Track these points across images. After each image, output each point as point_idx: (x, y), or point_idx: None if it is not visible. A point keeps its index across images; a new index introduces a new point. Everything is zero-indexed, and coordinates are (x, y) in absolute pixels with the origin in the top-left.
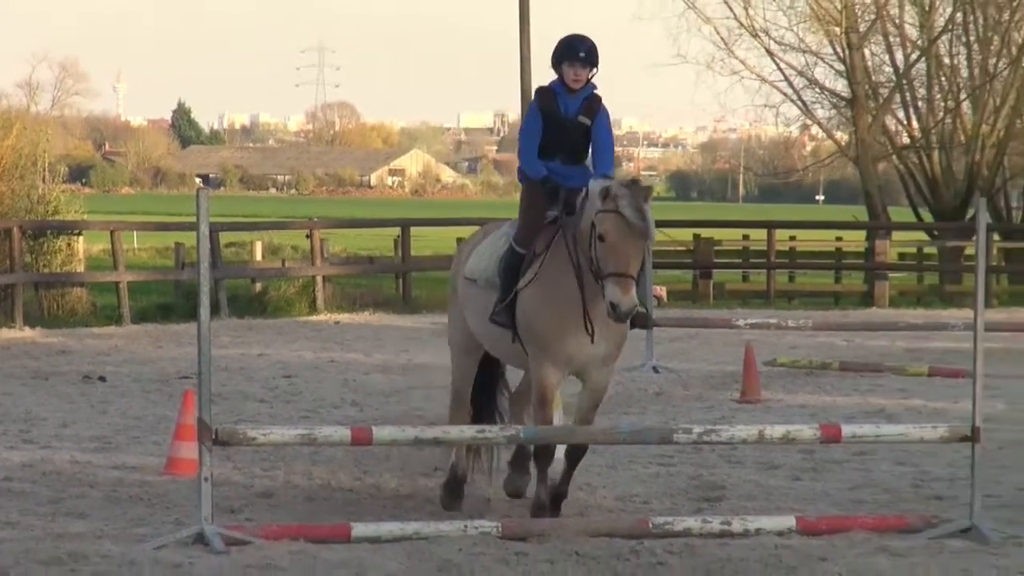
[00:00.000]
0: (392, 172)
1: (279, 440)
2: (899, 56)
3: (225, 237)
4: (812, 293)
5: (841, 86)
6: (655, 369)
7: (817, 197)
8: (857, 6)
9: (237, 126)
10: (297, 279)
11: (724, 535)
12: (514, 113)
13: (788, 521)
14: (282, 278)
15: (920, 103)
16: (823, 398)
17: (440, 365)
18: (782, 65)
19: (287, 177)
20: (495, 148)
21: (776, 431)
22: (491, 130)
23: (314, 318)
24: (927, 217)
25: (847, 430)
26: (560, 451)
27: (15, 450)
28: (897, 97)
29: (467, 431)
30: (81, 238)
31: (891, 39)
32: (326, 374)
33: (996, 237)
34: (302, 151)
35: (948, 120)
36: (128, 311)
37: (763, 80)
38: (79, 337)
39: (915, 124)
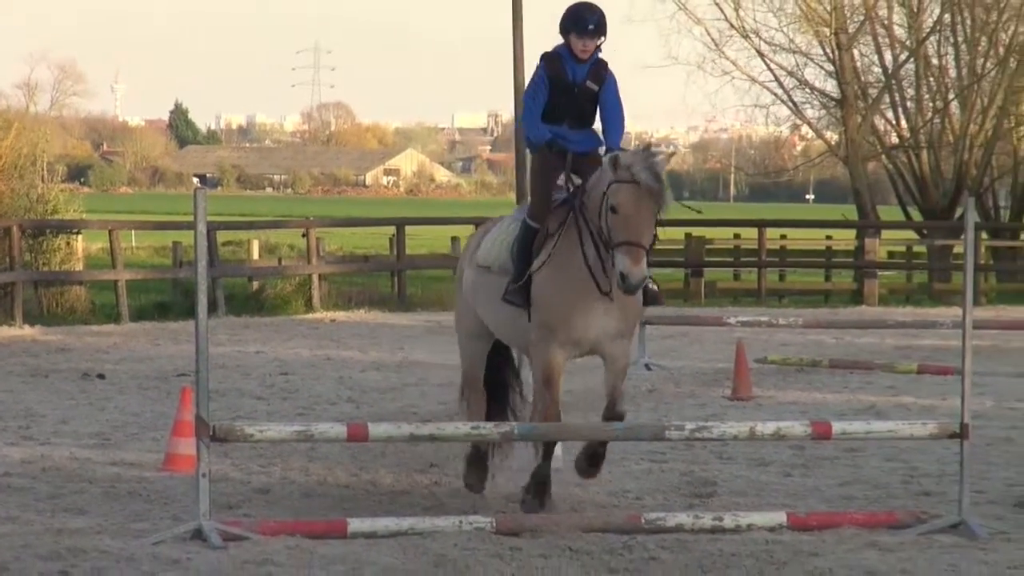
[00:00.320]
0: (387, 172)
1: (276, 437)
2: (888, 57)
3: (222, 236)
4: (802, 291)
5: (831, 86)
6: (647, 367)
7: (807, 196)
8: (846, 7)
9: (234, 126)
10: (293, 277)
11: (716, 531)
12: (508, 113)
13: (779, 517)
14: (279, 276)
15: (909, 103)
16: (813, 395)
17: (435, 362)
18: (772, 66)
19: (283, 177)
20: (489, 148)
21: (767, 428)
22: (485, 130)
23: (310, 316)
24: (916, 216)
25: (837, 427)
26: (557, 447)
27: (15, 446)
28: (886, 97)
29: (462, 428)
30: (80, 237)
31: (880, 40)
32: (322, 371)
33: (984, 236)
34: (298, 151)
35: (936, 120)
36: (126, 309)
37: (753, 80)
38: (78, 335)
39: (904, 124)
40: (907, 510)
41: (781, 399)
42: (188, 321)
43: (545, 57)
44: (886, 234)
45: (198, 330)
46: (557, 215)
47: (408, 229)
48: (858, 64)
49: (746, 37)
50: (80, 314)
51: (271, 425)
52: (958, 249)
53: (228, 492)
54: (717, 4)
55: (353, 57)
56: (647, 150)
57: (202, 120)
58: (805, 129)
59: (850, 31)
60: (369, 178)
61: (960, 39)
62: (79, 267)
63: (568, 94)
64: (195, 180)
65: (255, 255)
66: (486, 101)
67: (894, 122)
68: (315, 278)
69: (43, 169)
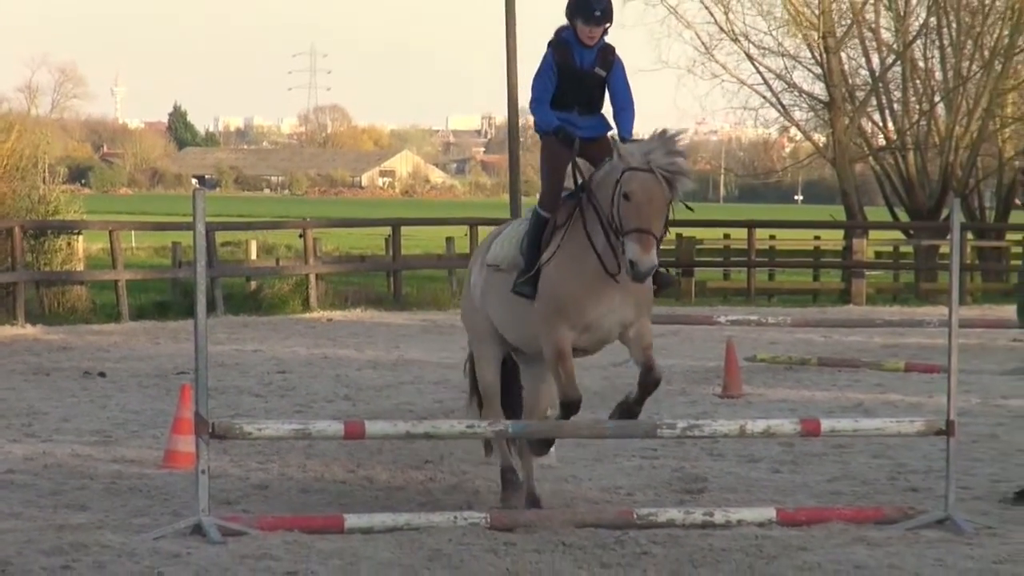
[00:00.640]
0: (383, 173)
1: (274, 434)
2: (875, 60)
3: (221, 236)
4: (791, 291)
5: (819, 89)
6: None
7: (796, 197)
8: (834, 11)
9: (232, 128)
10: (291, 277)
11: (706, 526)
12: (501, 116)
13: (768, 512)
14: (276, 276)
15: (895, 106)
16: (802, 393)
17: (430, 360)
18: (761, 69)
19: (281, 178)
20: (482, 150)
21: (758, 425)
22: (479, 132)
23: (307, 315)
24: (903, 216)
25: (826, 424)
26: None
27: (17, 444)
28: (873, 100)
29: (457, 426)
30: (81, 237)
31: (867, 43)
32: (319, 369)
33: (970, 236)
34: (295, 153)
35: (923, 122)
36: (127, 308)
37: (743, 83)
38: (79, 334)
39: (891, 126)
40: (894, 506)
41: (771, 397)
42: (187, 320)
43: (553, 44)
44: (873, 234)
45: (197, 329)
46: (566, 206)
47: (403, 230)
48: (846, 67)
49: (736, 41)
50: (81, 313)
51: (269, 423)
52: (944, 249)
53: (227, 488)
54: (707, 8)
55: (349, 61)
56: (663, 135)
57: (201, 122)
58: (794, 131)
59: (838, 35)
60: (365, 179)
61: (946, 43)
62: (80, 267)
63: (577, 80)
64: (194, 181)
65: (253, 255)
66: (480, 104)
67: (881, 124)
68: (312, 278)
69: (44, 171)
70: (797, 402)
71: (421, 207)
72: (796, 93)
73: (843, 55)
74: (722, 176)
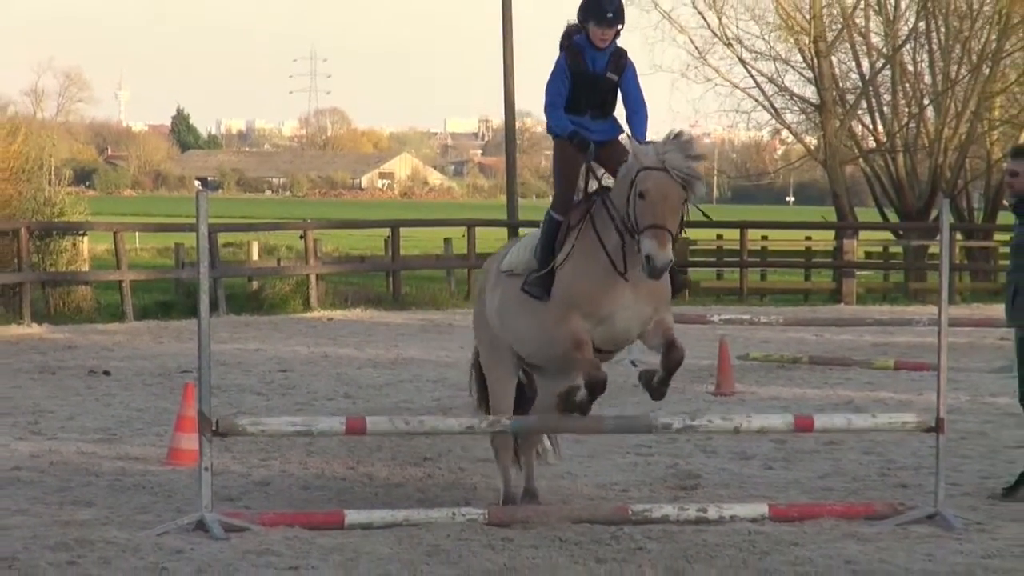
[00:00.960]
0: (382, 175)
1: (276, 431)
2: (865, 64)
3: (223, 237)
4: (783, 290)
5: (810, 92)
6: (633, 363)
7: (787, 198)
8: (825, 16)
9: (234, 131)
10: (292, 278)
11: (700, 522)
12: (498, 119)
13: (761, 508)
14: (277, 277)
15: (885, 108)
16: (794, 391)
17: (429, 359)
18: (754, 72)
19: (282, 180)
20: (480, 152)
21: (752, 423)
22: (476, 135)
23: (308, 315)
24: (893, 217)
25: (819, 421)
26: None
27: (24, 441)
28: (863, 103)
29: (455, 424)
30: (86, 238)
31: (857, 47)
32: (320, 368)
33: (959, 236)
34: (296, 155)
35: (912, 125)
36: (131, 308)
37: (735, 87)
38: (84, 333)
39: (881, 128)
40: (884, 501)
41: (763, 395)
42: (190, 320)
43: (566, 48)
44: (864, 235)
45: (200, 328)
46: (579, 209)
47: (402, 231)
48: (836, 71)
49: (728, 45)
50: (86, 313)
51: (271, 420)
52: (933, 249)
53: (229, 485)
54: (700, 13)
55: (348, 65)
56: (678, 137)
57: (203, 125)
58: (785, 133)
59: (828, 39)
60: (364, 181)
61: (935, 47)
62: (85, 268)
63: (590, 85)
64: (197, 183)
65: (255, 256)
66: (477, 107)
67: (871, 127)
68: (313, 278)
69: (50, 173)
70: (789, 400)
71: (420, 208)
72: (788, 96)
73: (834, 59)
74: (715, 178)
